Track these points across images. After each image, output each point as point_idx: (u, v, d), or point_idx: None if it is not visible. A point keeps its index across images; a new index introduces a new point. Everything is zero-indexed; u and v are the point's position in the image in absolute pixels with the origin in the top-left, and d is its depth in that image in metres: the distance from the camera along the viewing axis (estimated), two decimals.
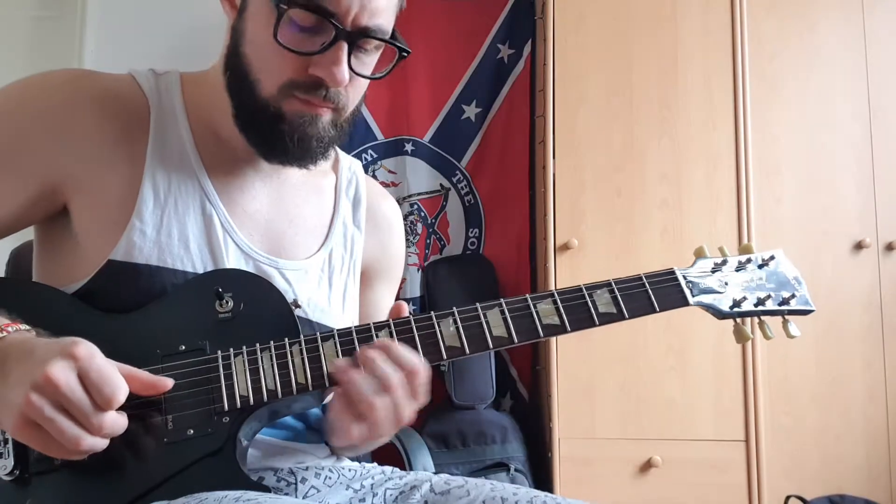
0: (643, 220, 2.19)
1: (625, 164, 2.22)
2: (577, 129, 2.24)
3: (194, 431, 0.78)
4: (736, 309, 0.90)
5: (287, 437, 0.95)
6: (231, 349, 0.81)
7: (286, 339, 0.82)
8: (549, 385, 2.16)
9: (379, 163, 2.57)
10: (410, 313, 0.85)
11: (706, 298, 0.90)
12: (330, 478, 0.94)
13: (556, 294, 0.86)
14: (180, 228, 0.88)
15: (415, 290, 2.49)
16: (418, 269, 2.51)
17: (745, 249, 0.95)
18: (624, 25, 2.27)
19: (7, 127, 0.87)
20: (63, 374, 0.67)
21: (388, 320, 0.84)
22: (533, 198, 2.53)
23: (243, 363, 0.80)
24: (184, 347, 0.81)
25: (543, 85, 2.32)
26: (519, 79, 2.61)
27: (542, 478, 2.17)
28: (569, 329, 0.85)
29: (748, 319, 0.92)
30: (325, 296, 0.97)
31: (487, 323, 0.84)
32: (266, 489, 0.78)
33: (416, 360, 0.80)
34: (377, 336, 0.82)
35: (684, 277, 0.90)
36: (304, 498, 0.91)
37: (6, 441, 0.76)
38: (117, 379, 0.70)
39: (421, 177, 2.58)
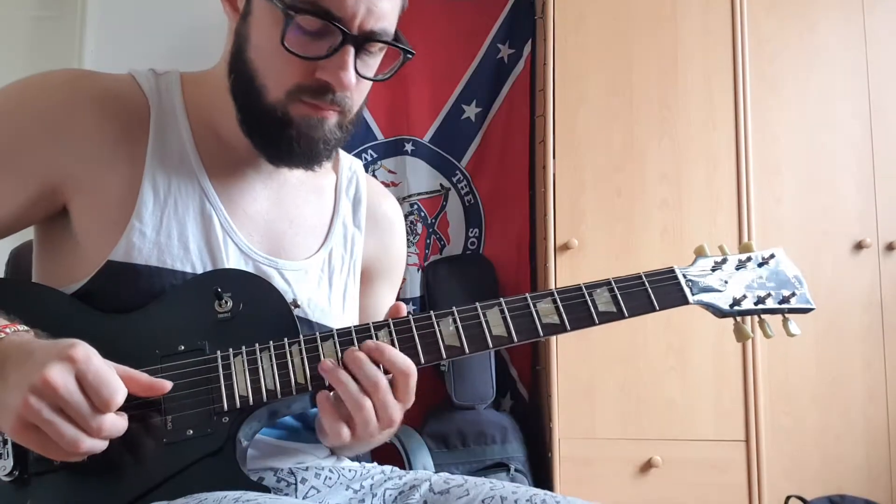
0: (643, 220, 2.19)
1: (625, 164, 2.22)
2: (577, 129, 2.24)
3: (194, 432, 0.78)
4: (736, 307, 0.90)
5: (287, 437, 0.95)
6: (230, 349, 0.81)
7: (285, 339, 0.82)
8: (549, 385, 2.16)
9: (379, 163, 2.57)
10: (410, 313, 0.85)
11: (706, 297, 0.90)
12: (330, 478, 0.94)
13: (555, 293, 0.86)
14: (180, 229, 0.88)
15: (415, 290, 2.49)
16: (418, 269, 2.51)
17: (745, 248, 0.95)
18: (624, 25, 2.27)
19: (7, 127, 0.87)
20: (61, 378, 0.67)
21: (387, 320, 0.84)
22: (533, 198, 2.53)
23: (243, 363, 0.80)
24: (183, 347, 0.81)
25: (543, 85, 2.32)
26: (519, 79, 2.60)
27: (542, 478, 2.17)
28: (568, 328, 0.85)
29: (748, 318, 0.92)
30: (325, 296, 0.97)
31: (487, 322, 0.84)
32: (266, 489, 0.78)
33: (407, 363, 0.80)
34: (377, 336, 0.82)
35: (684, 276, 0.90)
36: (303, 498, 0.91)
37: (5, 442, 0.76)
38: (115, 381, 0.70)
39: (421, 177, 2.58)
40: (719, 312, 0.90)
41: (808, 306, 0.92)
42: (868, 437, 2.12)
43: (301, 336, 0.82)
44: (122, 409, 0.71)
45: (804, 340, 2.12)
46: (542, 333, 0.84)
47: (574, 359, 2.14)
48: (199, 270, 0.88)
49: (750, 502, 2.07)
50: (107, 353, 0.72)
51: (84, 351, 0.69)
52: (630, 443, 2.11)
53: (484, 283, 2.45)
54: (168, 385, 0.77)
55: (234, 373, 0.80)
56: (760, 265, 0.93)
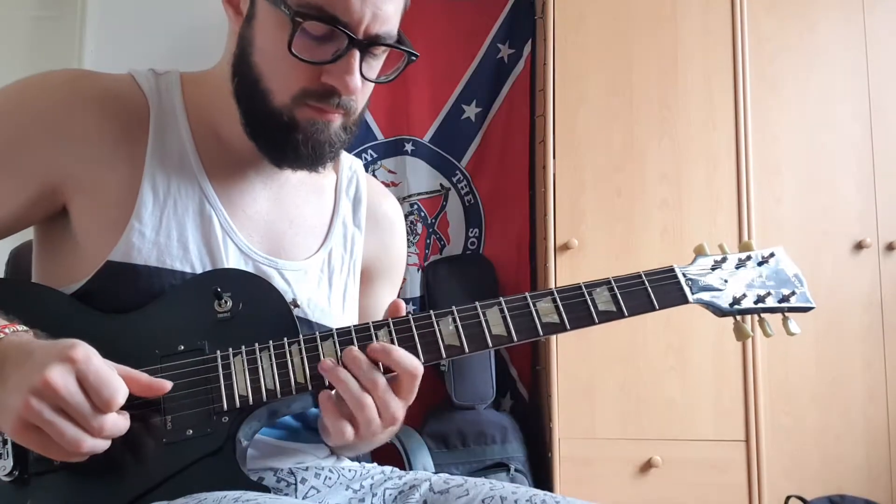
0: (643, 220, 2.19)
1: (625, 164, 2.22)
2: (577, 129, 2.24)
3: (193, 431, 0.78)
4: (736, 306, 0.90)
5: (287, 437, 0.95)
6: (230, 349, 0.81)
7: (285, 339, 0.82)
8: (549, 385, 2.16)
9: (379, 163, 2.57)
10: (409, 313, 0.85)
11: (706, 296, 0.90)
12: (330, 478, 0.94)
13: (555, 292, 0.86)
14: (179, 230, 0.88)
15: (415, 290, 2.49)
16: (418, 269, 2.51)
17: (745, 247, 0.95)
18: (624, 25, 2.27)
19: (7, 127, 0.87)
20: (61, 379, 0.67)
21: (387, 319, 0.84)
22: (533, 198, 2.53)
23: (242, 363, 0.80)
24: (183, 347, 0.81)
25: (543, 85, 2.32)
26: (519, 79, 2.60)
27: (542, 478, 2.17)
28: (568, 327, 0.85)
29: (748, 317, 0.92)
30: (325, 296, 0.97)
31: (487, 322, 0.84)
32: (266, 489, 0.78)
33: (414, 363, 0.80)
34: (376, 335, 0.82)
35: (684, 275, 0.90)
36: (303, 498, 0.91)
37: (5, 442, 0.76)
38: (116, 381, 0.70)
39: (421, 177, 2.58)
40: (719, 311, 0.90)
41: (808, 305, 0.92)
42: (868, 437, 2.12)
43: (301, 336, 0.82)
44: (121, 408, 0.71)
45: (804, 340, 2.12)
46: (541, 333, 0.84)
47: (574, 358, 2.14)
48: (199, 270, 0.88)
49: (750, 502, 2.07)
50: (106, 353, 0.72)
51: (84, 351, 0.69)
52: (630, 443, 2.11)
53: (484, 283, 2.45)
54: (168, 385, 0.77)
55: (233, 373, 0.80)
56: (760, 264, 0.93)
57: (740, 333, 0.92)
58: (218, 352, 0.81)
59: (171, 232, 0.87)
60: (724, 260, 0.93)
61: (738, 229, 2.17)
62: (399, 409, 0.81)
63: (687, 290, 0.89)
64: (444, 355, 0.82)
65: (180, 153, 0.91)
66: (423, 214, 2.56)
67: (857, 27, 2.26)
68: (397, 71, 0.90)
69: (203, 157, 0.92)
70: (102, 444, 0.71)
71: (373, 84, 0.90)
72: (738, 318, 0.91)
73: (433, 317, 0.84)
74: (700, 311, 0.92)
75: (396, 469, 1.00)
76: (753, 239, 2.12)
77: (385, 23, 0.84)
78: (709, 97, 2.23)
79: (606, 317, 0.86)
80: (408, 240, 2.10)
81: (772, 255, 0.94)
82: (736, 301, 0.90)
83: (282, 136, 0.87)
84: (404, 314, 0.85)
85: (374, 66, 0.88)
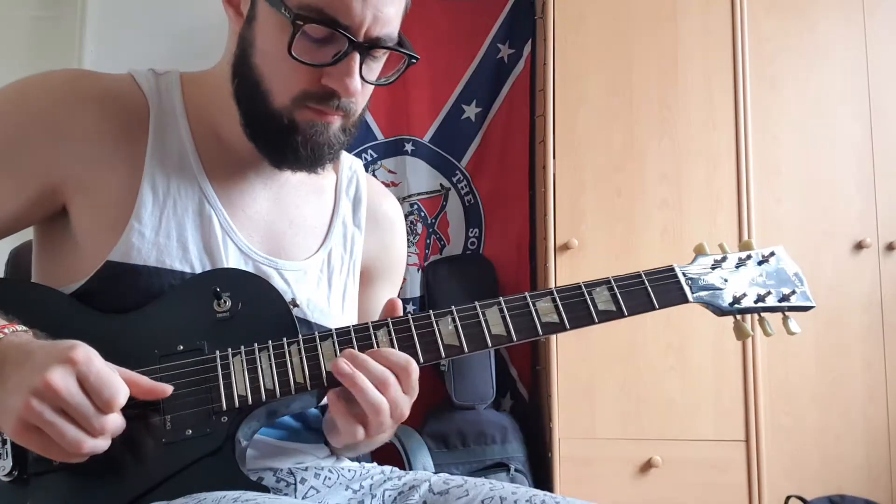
0: (643, 220, 2.19)
1: (625, 164, 2.22)
2: (577, 129, 2.24)
3: (192, 432, 0.78)
4: (736, 305, 0.90)
5: (286, 437, 0.95)
6: (229, 349, 0.81)
7: (284, 339, 0.82)
8: (549, 385, 2.16)
9: (379, 163, 2.57)
10: (409, 313, 0.85)
11: (706, 295, 0.90)
12: (329, 478, 0.94)
13: (555, 292, 0.86)
14: (179, 230, 0.88)
15: (415, 290, 2.49)
16: (418, 269, 2.51)
17: (745, 246, 0.95)
18: (624, 25, 2.27)
19: (7, 127, 0.87)
20: (62, 380, 0.67)
21: (386, 319, 0.84)
22: (533, 198, 2.53)
23: (242, 363, 0.80)
24: (182, 347, 0.81)
25: (543, 85, 2.32)
26: (519, 79, 2.60)
27: (542, 478, 2.17)
28: (568, 327, 0.85)
29: (748, 316, 0.92)
30: (325, 296, 0.97)
31: (486, 321, 0.84)
32: (265, 489, 0.78)
33: (405, 358, 0.80)
34: (375, 335, 0.82)
35: (684, 274, 0.90)
36: (303, 498, 0.91)
37: (4, 442, 0.76)
38: (117, 381, 0.70)
39: (421, 177, 2.58)
40: (719, 311, 0.90)
41: (809, 304, 0.91)
42: (868, 437, 2.12)
43: (300, 336, 0.82)
44: (121, 409, 0.71)
45: (804, 340, 2.12)
46: (541, 332, 0.84)
47: (574, 358, 2.14)
48: (199, 270, 0.88)
49: (750, 502, 2.07)
50: (106, 353, 0.72)
51: (85, 352, 0.69)
52: (630, 443, 2.11)
53: (484, 283, 2.45)
54: (169, 389, 0.77)
55: (232, 372, 0.80)
56: (760, 263, 0.93)
57: (740, 333, 0.92)
58: (217, 352, 0.81)
59: (171, 232, 0.87)
60: (724, 259, 0.93)
61: (738, 229, 2.17)
62: (407, 406, 0.81)
63: (687, 289, 0.89)
64: (443, 355, 0.82)
65: (180, 153, 0.91)
66: (423, 214, 2.56)
67: (857, 27, 2.26)
68: (397, 73, 0.90)
69: (203, 157, 0.92)
70: (103, 445, 0.71)
71: (373, 86, 0.90)
72: (738, 317, 0.91)
73: (432, 317, 0.83)
74: (700, 311, 0.92)
75: (396, 469, 1.00)
76: (753, 239, 2.13)
77: (385, 25, 0.83)
78: (709, 97, 2.23)
79: (606, 316, 0.86)
80: (408, 240, 2.11)
81: (772, 254, 0.94)
82: (736, 300, 0.90)
83: (281, 138, 0.87)
84: (401, 313, 0.85)
85: (375, 68, 0.89)
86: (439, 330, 0.83)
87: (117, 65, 1.00)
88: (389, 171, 2.57)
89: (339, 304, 0.99)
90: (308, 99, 0.84)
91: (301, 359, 0.80)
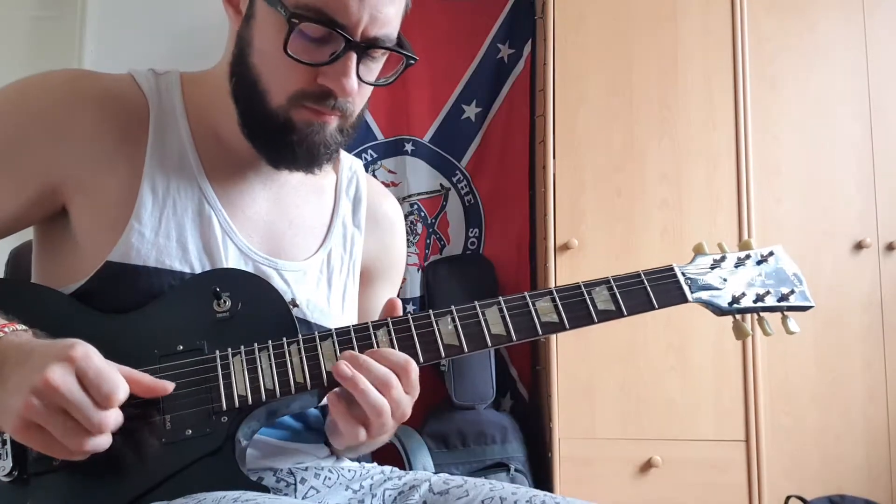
0: (643, 220, 2.19)
1: (625, 164, 2.22)
2: (577, 129, 2.24)
3: (192, 431, 0.78)
4: (735, 305, 0.90)
5: (286, 437, 0.95)
6: (229, 349, 0.81)
7: (284, 339, 0.82)
8: (549, 385, 2.16)
9: (379, 163, 2.57)
10: (409, 313, 0.85)
11: (705, 295, 0.90)
12: (329, 478, 0.94)
13: (554, 292, 0.86)
14: (179, 230, 0.88)
15: (415, 290, 2.49)
16: (418, 269, 2.51)
17: (744, 246, 0.95)
18: (624, 25, 2.27)
19: (7, 127, 0.87)
20: (62, 378, 0.67)
21: (386, 319, 0.84)
22: (533, 198, 2.53)
23: (241, 363, 0.80)
24: (182, 347, 0.81)
25: (543, 85, 2.32)
26: (519, 79, 2.60)
27: (542, 478, 2.17)
28: (567, 327, 0.85)
29: (747, 316, 0.92)
30: (325, 297, 0.97)
31: (486, 321, 0.84)
32: (265, 489, 0.78)
33: (404, 357, 0.80)
34: (375, 335, 0.82)
35: (683, 274, 0.90)
36: (303, 498, 0.91)
37: (4, 442, 0.76)
38: (116, 377, 0.70)
39: (421, 177, 2.58)
40: (718, 310, 0.90)
41: (808, 304, 0.92)
42: (868, 437, 2.12)
43: (300, 335, 0.82)
44: (121, 408, 0.71)
45: (804, 340, 2.12)
46: (540, 332, 0.84)
47: (574, 358, 2.14)
48: (198, 271, 0.88)
49: (750, 502, 2.07)
50: (106, 353, 0.72)
51: (83, 350, 0.69)
52: (630, 443, 2.11)
53: (484, 283, 2.45)
54: (171, 386, 0.77)
55: (232, 372, 0.80)
56: (759, 263, 0.93)
57: (739, 332, 0.92)
58: (217, 352, 0.81)
59: (171, 232, 0.87)
60: (723, 259, 0.93)
61: (738, 229, 2.17)
62: (409, 406, 0.81)
63: (686, 289, 0.89)
64: (443, 355, 0.82)
65: (180, 153, 0.91)
66: (423, 214, 2.56)
67: (857, 27, 2.26)
68: (395, 74, 0.90)
69: (203, 157, 0.92)
70: (105, 442, 0.70)
71: (371, 87, 0.90)
72: (738, 317, 0.91)
73: (432, 316, 0.83)
74: (700, 311, 0.92)
75: (396, 469, 1.00)
76: (753, 239, 2.12)
77: (384, 25, 0.83)
78: (709, 97, 2.23)
79: (606, 316, 0.86)
80: (408, 240, 2.11)
81: (771, 253, 0.94)
82: (735, 300, 0.90)
83: (278, 137, 0.87)
84: (401, 313, 0.85)
85: (373, 68, 0.88)
86: (439, 330, 0.83)
87: (117, 65, 1.00)
88: (389, 171, 2.58)
89: (338, 304, 0.99)
90: (305, 98, 0.84)
91: (301, 359, 0.80)
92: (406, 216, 2.50)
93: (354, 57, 0.82)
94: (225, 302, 0.84)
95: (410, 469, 1.68)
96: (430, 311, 0.84)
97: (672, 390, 2.12)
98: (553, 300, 0.85)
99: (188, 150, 0.91)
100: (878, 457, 2.11)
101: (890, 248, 2.16)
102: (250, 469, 0.88)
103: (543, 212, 2.27)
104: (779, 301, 0.90)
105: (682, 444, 2.10)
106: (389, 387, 0.78)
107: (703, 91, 2.24)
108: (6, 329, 0.74)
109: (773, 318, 0.92)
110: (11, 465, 0.75)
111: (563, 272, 2.17)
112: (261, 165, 0.93)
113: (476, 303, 0.85)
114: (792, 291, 0.91)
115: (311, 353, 0.81)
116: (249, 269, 0.91)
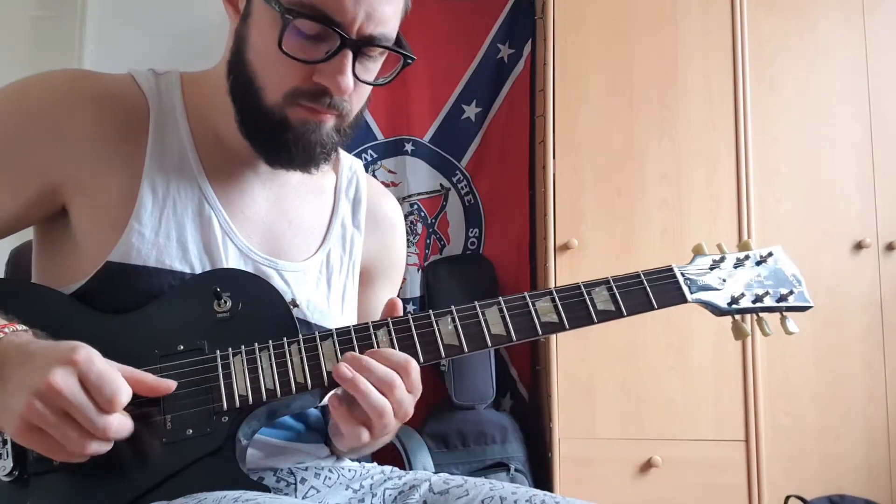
0: (643, 220, 2.19)
1: (625, 164, 2.22)
2: (577, 129, 2.24)
3: (193, 431, 0.78)
4: (734, 306, 0.90)
5: (287, 437, 0.95)
6: (230, 349, 0.81)
7: (284, 339, 0.82)
8: (549, 385, 2.16)
9: (379, 163, 2.57)
10: (409, 313, 0.85)
11: (704, 295, 0.90)
12: (329, 478, 0.94)
13: (554, 292, 0.86)
14: (178, 230, 0.88)
15: (415, 290, 2.49)
16: (418, 269, 2.51)
17: (743, 246, 0.95)
18: (624, 25, 2.27)
19: (7, 127, 0.87)
20: (64, 381, 0.67)
21: (386, 319, 0.84)
22: (533, 198, 2.53)
23: (242, 363, 0.80)
24: (182, 347, 0.81)
25: (543, 85, 2.32)
26: (519, 79, 2.60)
27: (542, 478, 2.17)
28: (567, 327, 0.85)
29: (747, 316, 0.92)
30: (324, 297, 0.97)
31: (486, 321, 0.84)
32: (266, 489, 0.78)
33: (405, 357, 0.80)
34: (375, 335, 0.82)
35: (682, 274, 0.90)
36: (303, 498, 0.91)
37: (4, 442, 0.76)
38: (118, 380, 0.70)
39: (421, 177, 2.58)
40: (717, 311, 0.90)
41: (807, 304, 0.92)
42: (868, 437, 2.12)
43: (300, 335, 0.82)
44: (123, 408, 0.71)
45: (804, 340, 2.12)
46: (540, 332, 0.84)
47: (574, 358, 2.14)
48: (198, 271, 0.88)
49: (750, 502, 2.07)
50: (106, 353, 0.72)
51: (86, 353, 0.69)
52: (630, 443, 2.11)
53: (484, 284, 2.45)
54: (173, 385, 0.77)
55: (233, 372, 0.80)
56: (758, 263, 0.93)
57: (738, 332, 0.92)
58: (217, 352, 0.81)
59: (171, 232, 0.87)
60: (722, 259, 0.93)
61: (738, 229, 2.17)
62: (412, 405, 0.81)
63: (685, 289, 0.89)
64: (443, 355, 0.83)
65: (180, 153, 0.91)
66: (423, 214, 2.56)
67: (857, 28, 2.26)
68: (393, 74, 0.90)
69: (202, 157, 0.92)
70: (106, 445, 0.71)
71: (369, 86, 0.89)
72: (737, 317, 0.92)
73: (432, 316, 0.84)
74: (700, 311, 0.92)
75: (396, 469, 1.00)
76: (753, 239, 2.12)
77: (380, 24, 0.83)
78: (709, 97, 2.23)
79: (605, 316, 0.86)
80: (408, 240, 2.11)
81: (770, 254, 0.94)
82: (734, 300, 0.90)
83: (274, 136, 0.86)
84: (401, 313, 0.85)
85: (371, 67, 0.88)
86: (439, 330, 0.83)
87: (117, 65, 1.00)
88: (389, 171, 2.58)
89: (338, 304, 0.99)
90: (300, 96, 0.84)
91: (301, 358, 0.81)
92: (406, 216, 2.50)
93: (350, 55, 0.82)
94: (225, 302, 0.84)
95: (410, 469, 1.68)
96: (431, 311, 0.84)
97: (672, 390, 2.12)
98: (553, 300, 0.85)
99: (188, 150, 0.91)
100: (878, 457, 2.11)
101: (890, 248, 2.16)
102: (251, 469, 0.88)
103: (543, 212, 2.27)
104: (777, 301, 0.91)
105: (681, 444, 2.11)
106: (392, 387, 0.78)
107: (702, 91, 2.24)
108: (6, 329, 0.74)
109: (771, 319, 0.92)
110: (12, 464, 0.75)
111: (562, 272, 2.17)
112: (260, 165, 0.93)
113: (476, 303, 0.85)
114: (791, 292, 0.91)
115: (312, 352, 0.81)
116: (249, 269, 0.91)
